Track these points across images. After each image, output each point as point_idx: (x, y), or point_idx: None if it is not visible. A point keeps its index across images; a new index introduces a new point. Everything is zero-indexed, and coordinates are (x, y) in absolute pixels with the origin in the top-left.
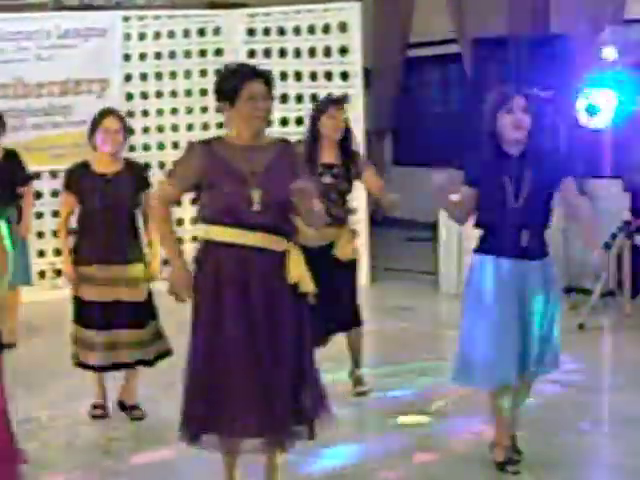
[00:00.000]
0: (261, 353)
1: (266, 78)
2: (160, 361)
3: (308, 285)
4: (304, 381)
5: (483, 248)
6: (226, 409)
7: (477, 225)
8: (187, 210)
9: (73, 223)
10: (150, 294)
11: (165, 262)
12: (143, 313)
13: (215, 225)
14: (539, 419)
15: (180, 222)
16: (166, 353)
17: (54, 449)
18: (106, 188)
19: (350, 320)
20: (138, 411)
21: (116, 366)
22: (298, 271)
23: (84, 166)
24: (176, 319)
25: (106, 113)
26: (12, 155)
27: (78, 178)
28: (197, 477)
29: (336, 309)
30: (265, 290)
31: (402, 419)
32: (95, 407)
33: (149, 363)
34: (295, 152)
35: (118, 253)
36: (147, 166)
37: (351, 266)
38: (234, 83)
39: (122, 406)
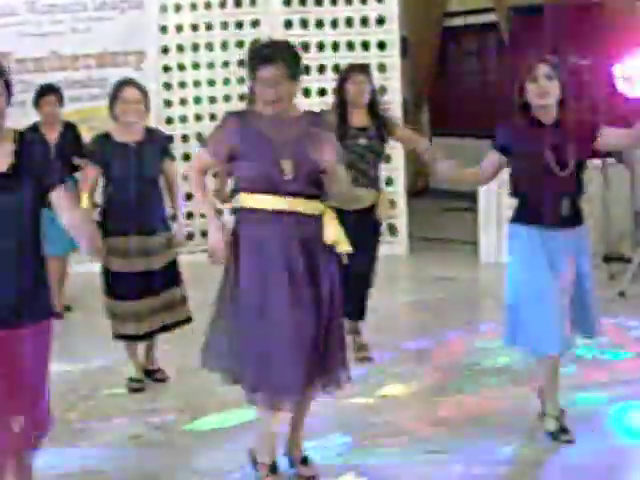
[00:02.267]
0: (304, 312)
1: (277, 62)
2: (182, 326)
3: (344, 246)
4: (334, 336)
5: (521, 218)
6: (277, 369)
7: (514, 194)
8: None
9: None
10: (175, 261)
11: (189, 236)
12: (170, 279)
13: (251, 193)
14: (577, 386)
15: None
16: (189, 319)
17: (95, 420)
18: (129, 158)
19: (363, 285)
20: (160, 373)
21: (151, 333)
22: (334, 233)
23: (106, 137)
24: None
25: (125, 84)
26: (71, 127)
27: (101, 149)
28: (239, 445)
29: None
30: (304, 252)
31: (440, 389)
32: (132, 380)
33: (175, 325)
34: (323, 121)
35: (144, 222)
36: (171, 138)
37: (378, 233)
38: (250, 65)
39: (146, 373)
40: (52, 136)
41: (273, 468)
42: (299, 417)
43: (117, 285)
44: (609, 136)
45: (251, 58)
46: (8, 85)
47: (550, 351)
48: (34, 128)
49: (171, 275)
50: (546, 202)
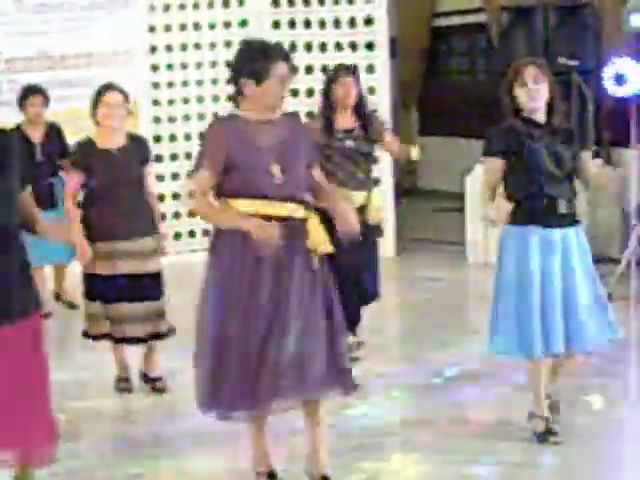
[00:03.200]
0: (290, 317)
1: (290, 59)
2: (169, 337)
3: (327, 247)
4: (334, 341)
5: (519, 219)
6: (256, 380)
7: (510, 196)
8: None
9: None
10: (160, 269)
11: (176, 235)
12: (153, 286)
13: (239, 198)
14: (564, 387)
15: (161, 198)
16: (172, 331)
17: (83, 420)
18: (112, 163)
19: (371, 294)
20: (160, 383)
21: (129, 340)
22: (318, 237)
23: (88, 142)
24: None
25: (107, 88)
26: (54, 128)
27: (84, 154)
28: (225, 447)
29: (359, 281)
30: (290, 257)
31: (428, 390)
32: (119, 380)
33: (160, 336)
34: (305, 125)
35: (127, 227)
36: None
37: (375, 234)
38: (264, 63)
39: (145, 377)
40: (36, 136)
41: (271, 476)
42: (312, 433)
43: (97, 287)
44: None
45: (264, 54)
46: None
47: (531, 354)
48: (17, 128)
49: (158, 284)
50: (543, 202)
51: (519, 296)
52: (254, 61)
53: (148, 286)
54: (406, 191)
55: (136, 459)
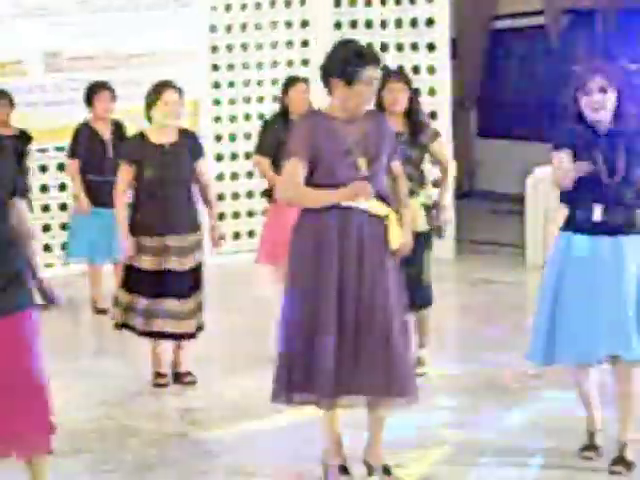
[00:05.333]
0: (368, 315)
1: (380, 64)
2: (199, 334)
3: (404, 248)
4: (399, 345)
5: (567, 226)
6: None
7: (562, 199)
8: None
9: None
10: (200, 265)
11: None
12: (191, 283)
13: (325, 190)
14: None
15: (221, 197)
16: (201, 327)
17: (142, 418)
18: (164, 158)
19: (420, 299)
20: (190, 377)
21: (159, 334)
22: (396, 236)
23: (141, 137)
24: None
25: (165, 85)
26: (119, 125)
27: (136, 149)
28: (282, 448)
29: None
30: (372, 252)
31: (484, 390)
32: (158, 375)
33: (192, 336)
34: (385, 121)
35: (174, 223)
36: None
37: (422, 240)
38: (356, 66)
39: (175, 376)
40: (105, 132)
41: (344, 469)
42: (374, 424)
43: (137, 281)
44: None
45: (358, 58)
46: None
47: (583, 360)
48: (85, 124)
49: (194, 280)
50: (588, 209)
51: (555, 303)
52: (347, 63)
53: (185, 283)
54: (465, 193)
55: (192, 455)
